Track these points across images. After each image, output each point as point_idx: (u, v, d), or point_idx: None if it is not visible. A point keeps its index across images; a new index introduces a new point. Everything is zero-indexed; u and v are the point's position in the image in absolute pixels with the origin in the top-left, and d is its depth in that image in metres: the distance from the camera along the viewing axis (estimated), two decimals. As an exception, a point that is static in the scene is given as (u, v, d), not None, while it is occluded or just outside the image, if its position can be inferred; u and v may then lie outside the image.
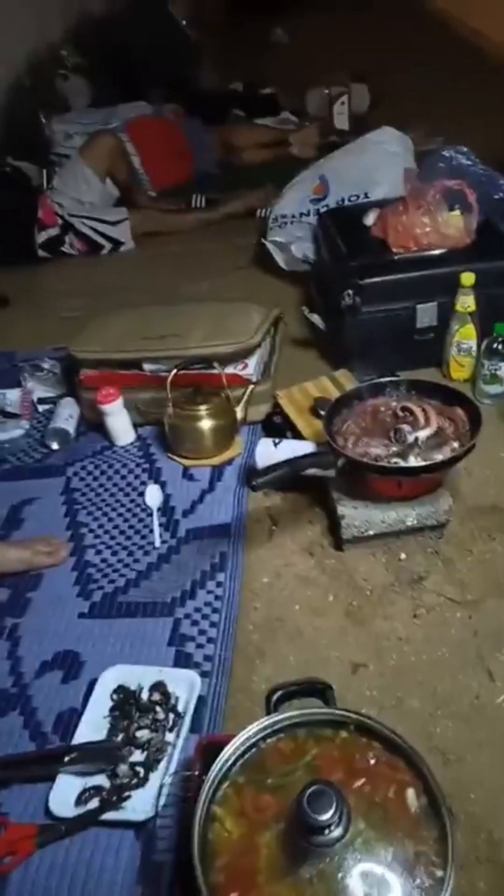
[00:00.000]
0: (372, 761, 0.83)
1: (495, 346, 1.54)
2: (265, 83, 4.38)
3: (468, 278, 1.52)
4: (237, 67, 4.83)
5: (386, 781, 0.81)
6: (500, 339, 1.54)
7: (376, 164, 2.14)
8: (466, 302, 1.55)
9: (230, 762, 0.83)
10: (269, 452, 1.37)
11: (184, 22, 4.38)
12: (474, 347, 1.60)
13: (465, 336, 1.60)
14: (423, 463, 1.17)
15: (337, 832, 0.73)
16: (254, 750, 0.85)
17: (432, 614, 1.19)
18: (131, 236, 2.77)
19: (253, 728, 0.85)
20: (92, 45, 4.58)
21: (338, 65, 4.08)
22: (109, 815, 0.93)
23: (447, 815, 0.76)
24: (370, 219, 1.79)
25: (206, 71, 4.54)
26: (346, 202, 2.12)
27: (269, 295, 2.11)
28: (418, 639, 1.15)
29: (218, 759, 0.83)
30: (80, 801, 0.95)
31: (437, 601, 1.21)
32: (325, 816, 0.71)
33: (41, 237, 2.74)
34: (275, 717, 0.86)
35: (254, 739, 0.85)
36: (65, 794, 0.96)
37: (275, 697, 0.90)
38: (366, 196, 2.09)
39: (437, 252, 1.64)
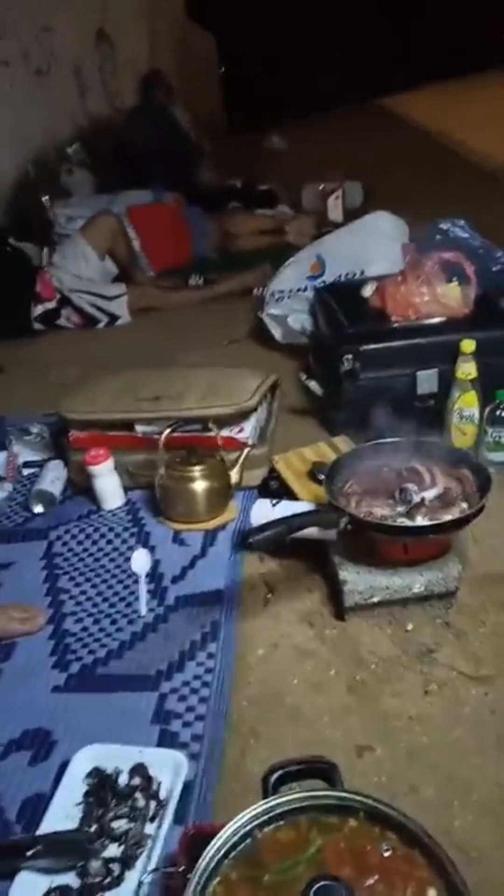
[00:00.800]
0: (386, 855, 0.71)
1: (499, 412, 1.51)
2: (263, 181, 4.60)
3: (469, 345, 1.51)
4: (236, 167, 5.10)
5: (403, 879, 0.69)
6: (502, 405, 1.50)
7: (372, 244, 2.19)
8: (467, 369, 1.53)
9: (220, 854, 0.71)
10: (266, 513, 1.29)
11: (187, 124, 4.66)
12: (476, 415, 1.57)
13: (466, 403, 1.56)
14: (431, 522, 1.10)
15: (348, 938, 0.60)
16: (248, 840, 0.73)
17: (445, 691, 1.08)
18: (128, 311, 2.80)
19: (247, 814, 0.74)
20: (98, 144, 4.85)
21: (332, 165, 4.31)
22: (76, 923, 0.78)
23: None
24: (368, 290, 1.80)
25: (207, 169, 4.79)
26: (343, 279, 2.15)
27: (264, 367, 2.08)
28: (430, 718, 1.04)
29: (206, 851, 0.70)
30: (42, 905, 0.81)
31: (449, 676, 1.10)
32: (336, 920, 0.60)
33: (37, 310, 2.76)
34: (273, 801, 0.75)
35: (248, 827, 0.73)
36: (26, 894, 0.82)
37: (273, 778, 0.79)
38: (362, 273, 2.13)
39: (436, 320, 1.63)
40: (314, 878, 0.64)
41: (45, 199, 3.39)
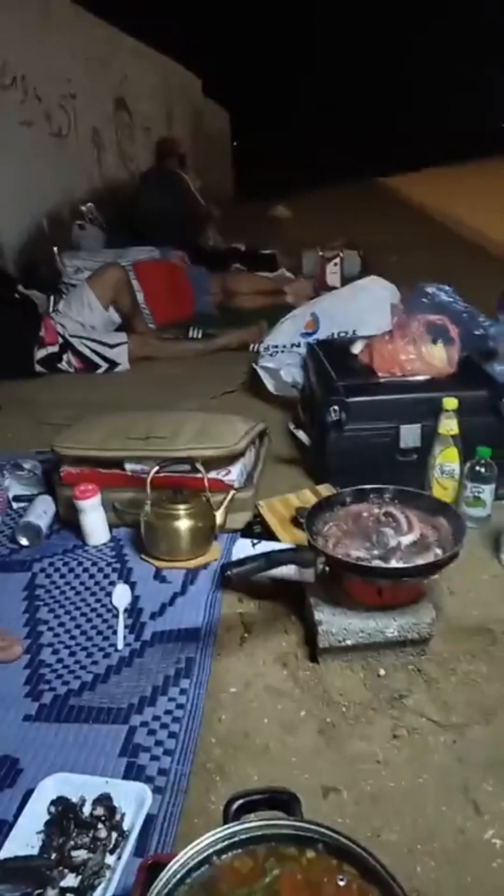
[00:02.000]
0: (342, 884, 0.71)
1: (478, 468, 1.55)
2: (265, 246, 4.79)
3: (451, 402, 1.56)
4: (241, 232, 5.31)
5: (358, 913, 0.69)
6: (482, 462, 1.55)
7: (365, 307, 2.28)
8: (449, 425, 1.58)
9: (176, 879, 0.71)
10: (247, 551, 1.32)
11: (197, 190, 4.88)
12: (457, 470, 1.61)
13: (447, 458, 1.61)
14: (405, 565, 1.13)
15: None
16: (205, 867, 0.73)
17: (413, 737, 1.08)
18: (128, 359, 2.88)
19: (205, 839, 0.74)
20: (110, 204, 5.07)
21: (332, 235, 4.50)
22: None
23: None
24: (357, 347, 1.88)
25: (213, 233, 4.99)
26: (335, 337, 2.24)
27: (256, 417, 2.14)
28: (397, 763, 1.04)
29: (162, 875, 0.70)
30: (-7, 931, 0.80)
31: (418, 723, 1.10)
32: (286, 944, 0.60)
33: (40, 353, 2.84)
34: (232, 828, 0.75)
35: (206, 853, 0.73)
36: (-23, 921, 0.81)
37: (233, 807, 0.79)
38: (354, 333, 2.21)
39: (420, 378, 1.70)
40: (268, 903, 0.63)
41: (54, 249, 3.53)
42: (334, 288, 3.80)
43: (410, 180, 8.81)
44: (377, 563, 1.15)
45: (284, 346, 2.31)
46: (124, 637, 1.32)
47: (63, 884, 0.86)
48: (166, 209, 4.42)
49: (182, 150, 5.19)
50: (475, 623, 1.30)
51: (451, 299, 1.85)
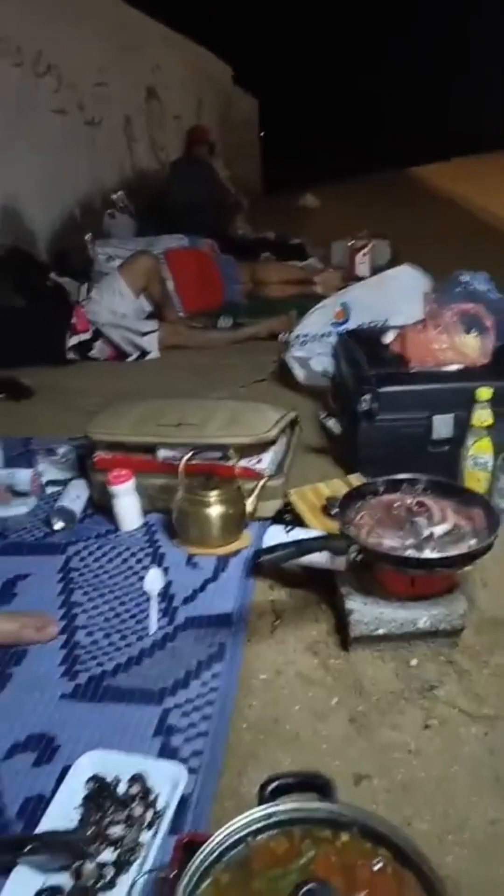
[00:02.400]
0: (377, 869, 0.71)
1: (512, 460, 1.54)
2: (294, 236, 4.77)
3: (485, 392, 1.55)
4: (270, 222, 5.29)
5: (392, 896, 0.70)
6: (516, 453, 1.53)
7: (396, 296, 2.26)
8: (483, 416, 1.56)
9: (213, 857, 0.72)
10: (280, 538, 1.33)
11: (226, 179, 4.86)
12: (490, 462, 1.59)
13: (481, 450, 1.59)
14: (439, 555, 1.13)
15: (334, 944, 0.61)
16: (241, 846, 0.74)
17: (445, 727, 1.08)
18: (158, 347, 2.90)
19: (242, 819, 0.75)
20: (140, 192, 5.08)
21: (362, 225, 4.46)
22: (67, 920, 0.79)
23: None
24: (389, 337, 1.87)
25: (242, 222, 4.98)
26: (366, 327, 2.22)
27: (286, 406, 2.14)
28: (429, 753, 1.04)
29: (199, 851, 0.72)
30: (34, 901, 0.82)
31: (450, 713, 1.10)
32: (323, 921, 0.61)
33: (72, 341, 2.87)
34: (267, 809, 0.76)
35: (241, 834, 0.75)
36: (20, 890, 0.83)
37: (268, 789, 0.80)
38: (385, 323, 2.20)
39: (454, 368, 1.68)
40: (303, 882, 0.64)
41: (87, 236, 3.55)
42: (363, 278, 3.77)
43: (441, 170, 8.68)
44: (410, 552, 1.15)
45: (314, 336, 2.30)
46: (157, 621, 1.33)
47: (100, 858, 0.88)
48: (196, 198, 4.41)
49: (212, 139, 5.17)
50: (508, 616, 1.30)
51: (486, 287, 1.83)
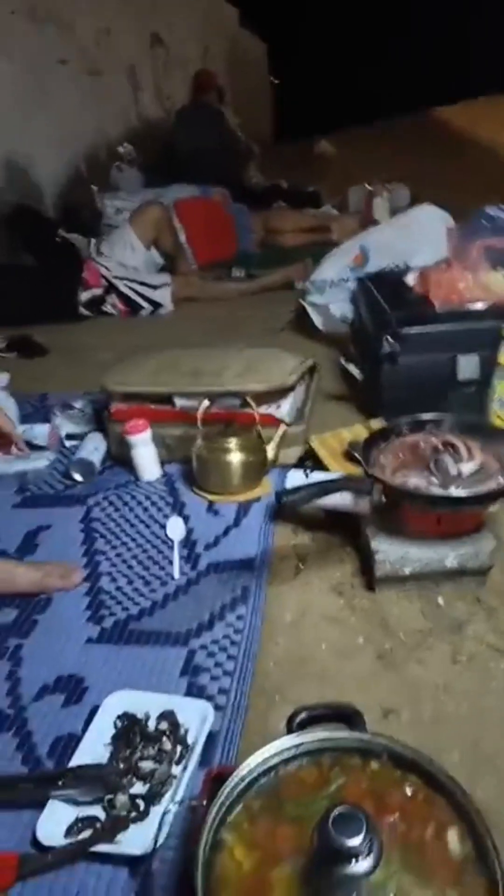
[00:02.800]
0: (408, 794, 0.71)
1: (539, 398, 1.50)
2: (309, 184, 4.63)
3: (512, 330, 1.50)
4: (283, 170, 5.14)
5: (423, 820, 0.70)
6: (544, 391, 1.49)
7: (417, 236, 2.20)
8: (510, 354, 1.52)
9: (244, 785, 0.73)
10: (300, 483, 1.30)
11: (236, 126, 4.71)
12: (516, 402, 1.55)
13: (507, 390, 1.55)
14: (466, 493, 1.10)
15: (366, 864, 0.61)
16: (271, 775, 0.75)
17: (473, 663, 1.08)
18: (171, 301, 2.85)
19: (272, 748, 0.75)
20: (147, 143, 4.95)
21: (380, 171, 4.31)
22: (102, 848, 0.81)
23: (497, 862, 0.64)
24: (412, 278, 1.81)
25: (255, 170, 4.84)
26: (387, 270, 2.16)
27: (305, 354, 2.11)
28: (458, 688, 1.04)
29: (231, 778, 0.72)
30: (70, 831, 0.84)
31: (478, 649, 1.10)
32: (354, 842, 0.60)
33: (84, 296, 2.83)
34: (297, 739, 0.76)
35: (273, 762, 0.75)
36: (55, 822, 0.85)
37: (297, 720, 0.80)
38: (405, 265, 2.13)
39: (479, 306, 1.63)
40: (333, 805, 0.64)
41: (94, 188, 3.48)
42: (380, 223, 3.69)
43: (466, 110, 8.33)
44: (437, 490, 1.12)
45: (333, 281, 2.24)
46: (180, 567, 1.33)
47: (132, 791, 0.89)
48: (205, 145, 4.29)
49: (221, 84, 5.00)
50: (536, 554, 1.28)
51: (514, 221, 1.76)
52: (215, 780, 0.83)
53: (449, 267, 1.66)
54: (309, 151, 7.16)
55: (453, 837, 0.68)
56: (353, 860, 0.61)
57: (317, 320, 2.23)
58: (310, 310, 2.23)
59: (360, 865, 0.61)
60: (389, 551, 1.18)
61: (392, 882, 0.63)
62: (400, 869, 0.65)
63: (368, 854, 0.61)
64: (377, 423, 1.62)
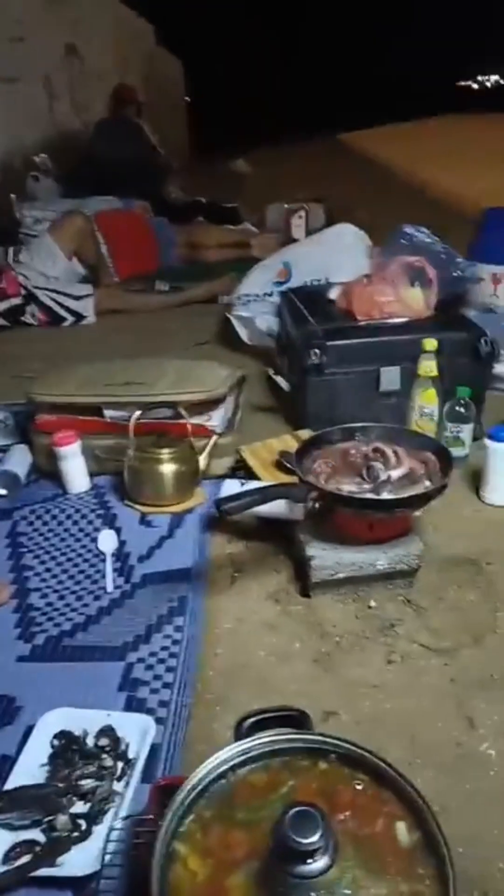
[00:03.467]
0: (358, 789, 0.73)
1: (457, 408, 1.57)
2: (227, 201, 4.69)
3: (430, 343, 1.57)
4: (201, 187, 5.19)
5: (372, 815, 0.71)
6: (462, 401, 1.57)
7: (336, 254, 2.27)
8: (429, 366, 1.59)
9: (195, 794, 0.72)
10: (236, 491, 1.31)
11: (155, 141, 4.72)
12: (436, 412, 1.62)
13: (427, 400, 1.62)
14: (397, 496, 1.14)
15: (323, 861, 0.62)
16: (222, 782, 0.74)
17: (406, 662, 1.11)
18: (94, 312, 2.81)
19: (221, 755, 0.75)
20: (64, 155, 4.87)
21: (296, 190, 4.43)
22: (44, 872, 0.77)
23: (446, 849, 0.66)
24: (334, 293, 1.87)
25: (174, 185, 4.85)
26: (308, 284, 2.22)
27: (231, 366, 2.14)
28: (393, 686, 1.07)
29: (181, 789, 0.71)
30: (8, 858, 0.80)
31: (410, 648, 1.13)
32: (311, 840, 0.61)
33: (2, 306, 2.74)
34: (246, 744, 0.76)
35: (222, 769, 0.75)
36: (-10, 849, 0.81)
37: (245, 725, 0.80)
38: (326, 280, 2.20)
39: (399, 320, 1.70)
40: (290, 805, 0.65)
41: (12, 196, 3.38)
42: (298, 241, 3.78)
43: (374, 136, 8.72)
44: (369, 496, 1.16)
45: (257, 296, 2.28)
46: (113, 580, 1.31)
47: (72, 811, 0.86)
48: (125, 158, 4.27)
49: (139, 98, 5.00)
50: (460, 555, 1.34)
51: (430, 240, 1.85)
52: (162, 792, 0.82)
53: (370, 282, 1.73)
54: (226, 169, 7.27)
55: (402, 829, 0.70)
56: (310, 859, 0.62)
57: (242, 333, 2.25)
58: (235, 323, 2.26)
59: (318, 863, 0.62)
60: (324, 557, 1.20)
61: (346, 877, 0.64)
62: (353, 864, 0.66)
63: (325, 852, 0.62)
64: (304, 434, 1.66)
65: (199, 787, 0.73)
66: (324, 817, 0.63)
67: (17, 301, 2.74)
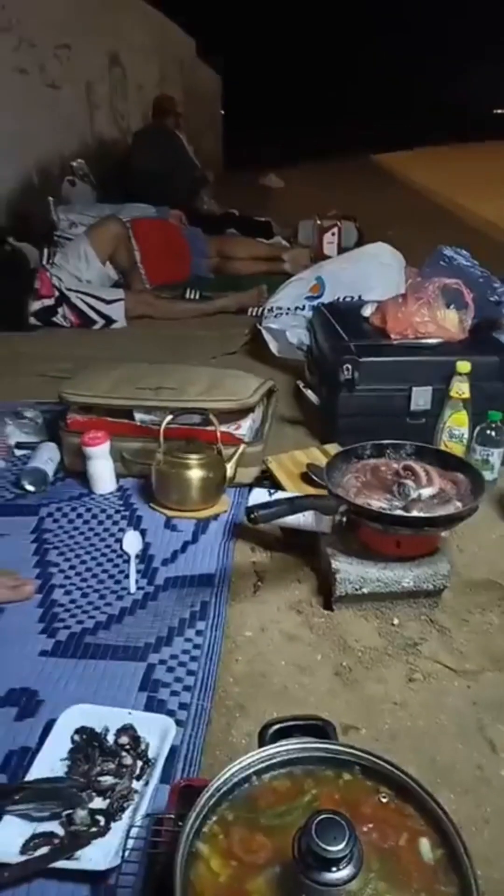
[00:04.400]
0: (382, 803, 0.73)
1: (488, 432, 1.57)
2: (259, 214, 4.74)
3: (464, 366, 1.58)
4: (234, 200, 5.24)
5: (396, 829, 0.71)
6: (493, 425, 1.57)
7: (371, 272, 2.28)
8: (461, 388, 1.59)
9: (218, 796, 0.72)
10: (264, 500, 1.32)
11: (192, 152, 4.78)
12: (466, 435, 1.63)
13: (457, 422, 1.62)
14: (428, 514, 1.15)
15: (348, 870, 0.62)
16: (245, 786, 0.75)
17: (429, 681, 1.11)
18: (125, 316, 2.84)
19: (246, 759, 0.75)
20: (101, 162, 4.95)
21: (327, 207, 4.46)
22: (62, 864, 0.78)
23: (470, 867, 0.66)
24: (368, 310, 1.88)
25: (208, 197, 4.91)
26: (341, 301, 2.23)
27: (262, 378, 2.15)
28: (414, 704, 1.07)
29: (206, 790, 0.72)
30: (26, 847, 0.80)
31: (433, 668, 1.13)
32: (338, 847, 0.61)
33: (34, 306, 2.78)
34: (270, 750, 0.76)
35: (245, 773, 0.75)
36: (9, 838, 0.81)
37: (269, 732, 0.80)
38: (359, 298, 2.21)
39: (433, 341, 1.70)
40: (316, 812, 0.65)
41: (50, 199, 3.44)
42: (330, 258, 3.80)
43: (405, 158, 8.77)
44: (399, 513, 1.16)
45: (289, 309, 2.30)
46: (136, 581, 1.32)
47: (91, 806, 0.86)
48: (162, 168, 4.33)
49: (179, 110, 5.08)
50: (485, 578, 1.33)
51: (468, 263, 1.85)
52: (183, 793, 0.83)
53: (406, 301, 1.74)
54: (257, 183, 7.34)
55: (425, 845, 0.69)
56: (335, 867, 0.62)
57: (272, 345, 2.27)
58: (266, 335, 2.27)
59: (343, 872, 0.62)
60: (350, 571, 1.20)
61: (369, 888, 0.64)
62: (376, 876, 0.66)
63: (350, 861, 0.62)
64: (332, 448, 1.66)
65: (224, 790, 0.73)
66: (350, 826, 0.64)
67: (49, 302, 2.78)
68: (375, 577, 1.20)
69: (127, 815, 0.86)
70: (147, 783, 0.90)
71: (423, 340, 1.71)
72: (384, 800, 0.74)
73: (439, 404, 1.66)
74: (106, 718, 0.98)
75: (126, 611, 1.24)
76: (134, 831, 0.78)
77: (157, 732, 0.96)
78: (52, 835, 0.82)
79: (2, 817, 0.83)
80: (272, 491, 1.39)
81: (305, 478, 1.55)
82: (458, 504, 1.18)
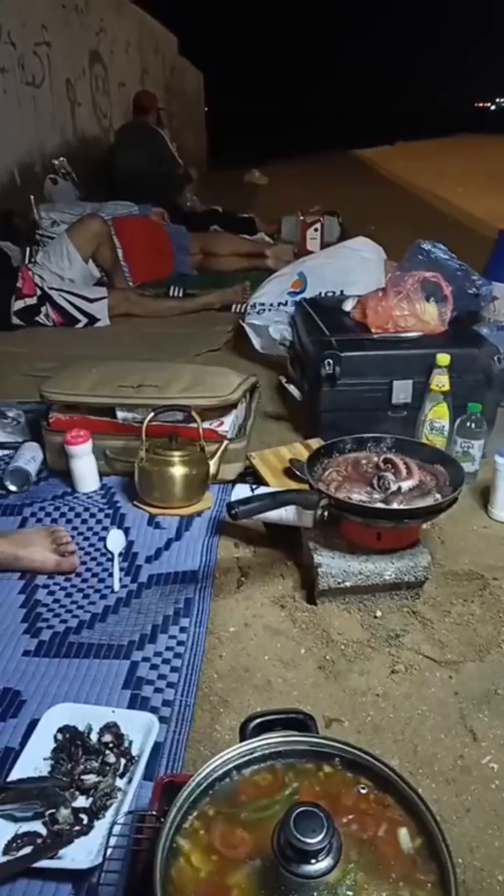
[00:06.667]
0: (362, 793, 0.73)
1: (468, 424, 1.58)
2: (243, 211, 4.73)
3: (444, 358, 1.58)
4: (217, 197, 5.23)
5: (375, 819, 0.71)
6: (473, 417, 1.58)
7: (352, 267, 2.28)
8: (441, 381, 1.60)
9: (199, 791, 0.72)
10: (246, 496, 1.32)
11: (175, 149, 4.76)
12: (446, 427, 1.63)
13: (438, 415, 1.63)
14: (407, 507, 1.15)
15: (326, 862, 0.62)
16: (226, 780, 0.75)
17: (411, 672, 1.11)
18: (108, 315, 2.82)
19: (226, 754, 0.75)
20: (83, 160, 4.92)
21: (310, 203, 4.46)
22: (45, 863, 0.78)
23: (448, 856, 0.66)
24: (349, 304, 1.88)
25: (191, 194, 4.89)
26: (323, 296, 2.23)
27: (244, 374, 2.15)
28: (396, 696, 1.07)
29: (185, 787, 0.72)
30: (9, 848, 0.80)
31: (415, 659, 1.14)
32: (315, 840, 0.62)
33: (17, 305, 2.76)
34: (251, 744, 0.76)
35: (226, 768, 0.75)
36: (-8, 838, 0.81)
37: (250, 727, 0.81)
38: (341, 293, 2.21)
39: (413, 335, 1.71)
40: (294, 805, 0.65)
41: (32, 197, 3.42)
42: (313, 253, 3.80)
43: (389, 153, 8.79)
44: (380, 505, 1.17)
45: (271, 305, 2.29)
46: (120, 580, 1.31)
47: (74, 805, 0.86)
48: (144, 165, 4.31)
49: (161, 107, 5.05)
50: (466, 570, 1.34)
51: (446, 256, 1.86)
52: (166, 789, 0.83)
53: (386, 295, 1.74)
54: (241, 179, 7.33)
55: (404, 835, 0.70)
56: (313, 859, 0.62)
57: (255, 341, 2.27)
58: (249, 331, 2.27)
59: (321, 864, 0.62)
60: (332, 564, 1.21)
61: (348, 879, 0.65)
62: (356, 867, 0.66)
63: (328, 853, 0.62)
64: (314, 443, 1.67)
65: (204, 785, 0.73)
66: (328, 818, 0.64)
67: (32, 301, 2.76)
68: (357, 571, 1.20)
69: (110, 813, 0.86)
70: (131, 780, 0.90)
71: (404, 334, 1.71)
72: (364, 791, 0.74)
73: (420, 397, 1.67)
74: (89, 717, 0.98)
75: (109, 609, 1.24)
76: (117, 829, 0.78)
77: (141, 729, 0.97)
78: (35, 834, 0.82)
79: (-16, 818, 0.83)
80: (255, 487, 1.39)
81: (288, 473, 1.55)
82: (438, 496, 1.19)
